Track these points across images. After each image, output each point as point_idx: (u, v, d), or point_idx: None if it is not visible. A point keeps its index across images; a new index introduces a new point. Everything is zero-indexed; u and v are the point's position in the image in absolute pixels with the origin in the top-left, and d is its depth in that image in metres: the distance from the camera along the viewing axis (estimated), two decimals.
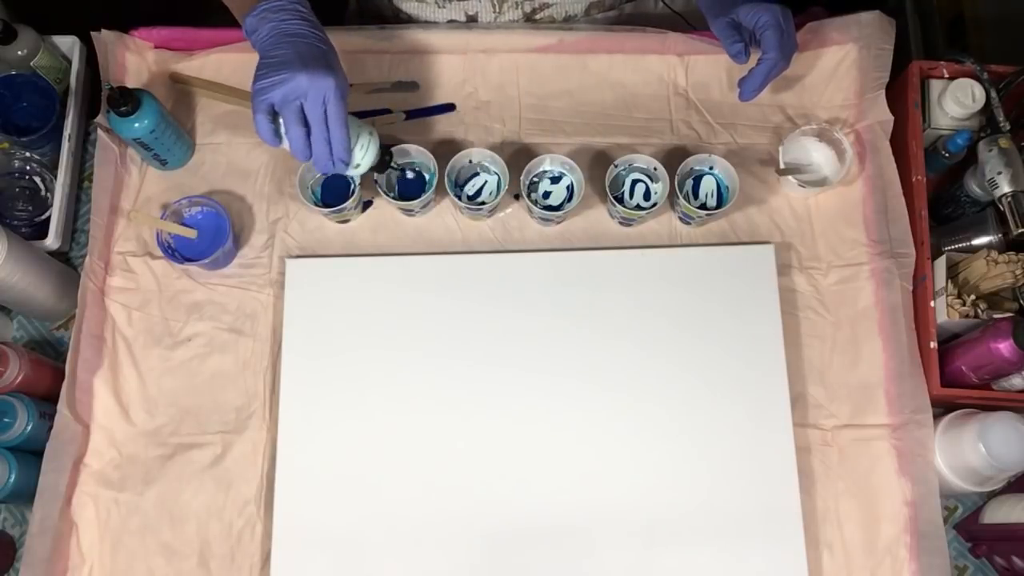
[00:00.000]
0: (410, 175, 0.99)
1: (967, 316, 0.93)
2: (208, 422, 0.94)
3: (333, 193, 0.98)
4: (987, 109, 0.99)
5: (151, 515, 0.91)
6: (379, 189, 0.96)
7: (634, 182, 0.99)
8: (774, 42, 0.92)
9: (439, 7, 1.08)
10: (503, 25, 1.08)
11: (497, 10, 1.07)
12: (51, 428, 0.90)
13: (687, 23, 1.11)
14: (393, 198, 0.96)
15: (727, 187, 0.99)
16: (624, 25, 1.08)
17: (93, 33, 1.03)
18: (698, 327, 0.95)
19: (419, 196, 0.96)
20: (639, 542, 0.90)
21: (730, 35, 0.94)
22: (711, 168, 1.00)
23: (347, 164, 0.88)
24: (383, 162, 0.92)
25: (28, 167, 1.03)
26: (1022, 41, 1.33)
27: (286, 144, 0.85)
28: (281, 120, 0.84)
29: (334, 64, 0.85)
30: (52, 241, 1.00)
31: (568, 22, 1.09)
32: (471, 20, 1.08)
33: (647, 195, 0.99)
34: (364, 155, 0.89)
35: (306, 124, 0.84)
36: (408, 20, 1.11)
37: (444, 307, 0.96)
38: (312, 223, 1.00)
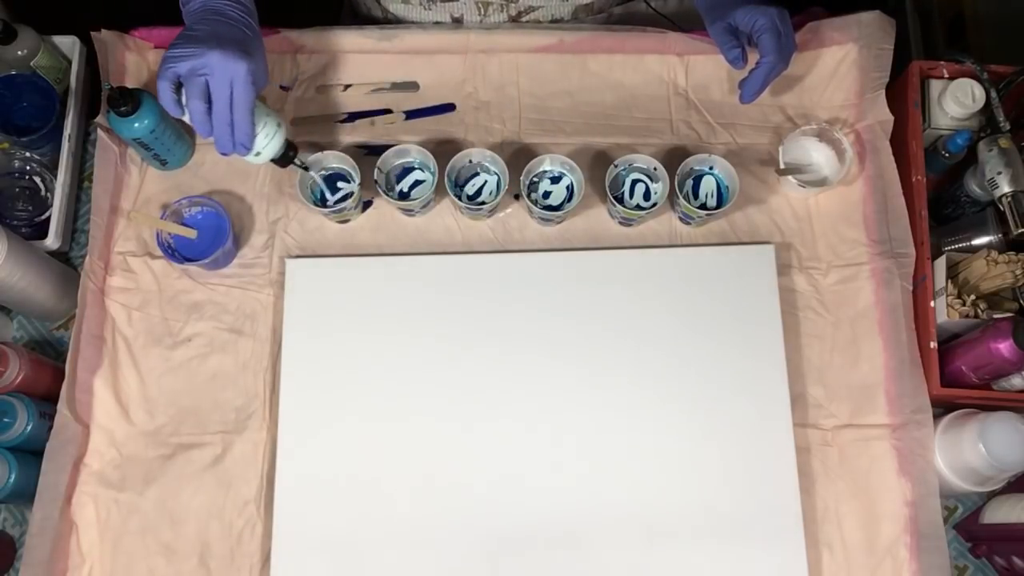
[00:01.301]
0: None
1: (967, 316, 0.93)
2: (208, 422, 0.94)
3: (333, 193, 0.98)
4: (987, 109, 0.99)
5: (151, 515, 0.91)
6: (379, 189, 0.96)
7: (634, 182, 0.99)
8: (771, 45, 0.92)
9: (425, 8, 1.07)
10: (503, 25, 1.08)
11: (483, 12, 1.07)
12: (51, 428, 0.90)
13: (677, 26, 1.11)
14: (393, 198, 0.96)
15: (727, 187, 0.99)
16: (615, 26, 1.08)
17: (93, 33, 1.03)
18: (698, 327, 0.95)
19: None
20: (639, 542, 0.90)
21: (727, 40, 0.94)
22: (711, 168, 0.99)
23: (248, 149, 0.87)
24: (286, 156, 0.92)
25: (28, 167, 1.03)
26: (1022, 41, 1.33)
27: (187, 116, 0.85)
28: (184, 92, 0.84)
29: (252, 50, 0.84)
30: (52, 241, 1.00)
31: (555, 25, 1.08)
32: (456, 22, 1.08)
33: (647, 195, 0.99)
34: (267, 144, 0.89)
35: (209, 101, 0.83)
36: (396, 21, 1.11)
37: (444, 307, 0.96)
38: (312, 223, 1.00)
